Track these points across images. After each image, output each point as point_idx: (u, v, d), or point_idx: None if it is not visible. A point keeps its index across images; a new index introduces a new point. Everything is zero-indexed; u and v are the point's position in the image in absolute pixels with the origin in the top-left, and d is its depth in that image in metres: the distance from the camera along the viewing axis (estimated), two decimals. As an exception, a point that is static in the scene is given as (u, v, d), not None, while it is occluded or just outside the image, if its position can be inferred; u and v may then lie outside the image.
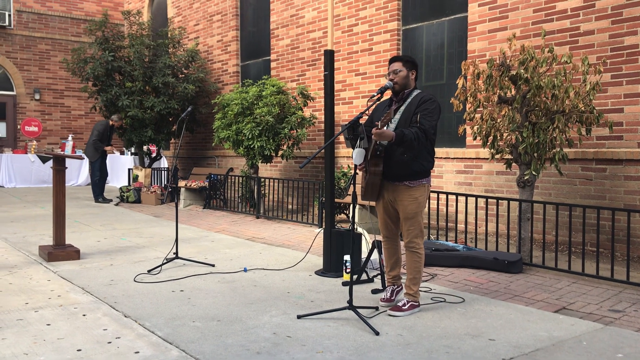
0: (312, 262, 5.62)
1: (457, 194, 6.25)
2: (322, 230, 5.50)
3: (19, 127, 15.22)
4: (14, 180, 13.88)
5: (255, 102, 9.17)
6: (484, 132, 5.77)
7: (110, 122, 10.99)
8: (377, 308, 4.01)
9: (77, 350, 3.15)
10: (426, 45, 8.49)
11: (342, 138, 8.43)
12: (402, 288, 4.22)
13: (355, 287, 4.49)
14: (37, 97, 15.56)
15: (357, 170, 3.90)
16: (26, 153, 14.28)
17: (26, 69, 15.43)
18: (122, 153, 14.88)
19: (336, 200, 7.83)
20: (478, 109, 5.87)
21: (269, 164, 9.99)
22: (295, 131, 9.14)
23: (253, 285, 4.72)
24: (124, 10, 12.35)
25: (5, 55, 15.12)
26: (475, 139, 6.06)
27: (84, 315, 3.84)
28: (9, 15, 15.10)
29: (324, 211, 6.68)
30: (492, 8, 7.41)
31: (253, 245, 6.66)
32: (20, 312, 3.88)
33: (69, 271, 5.12)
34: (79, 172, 14.72)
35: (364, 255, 5.27)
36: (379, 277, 4.75)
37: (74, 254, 5.64)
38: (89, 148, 10.75)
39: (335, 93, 5.58)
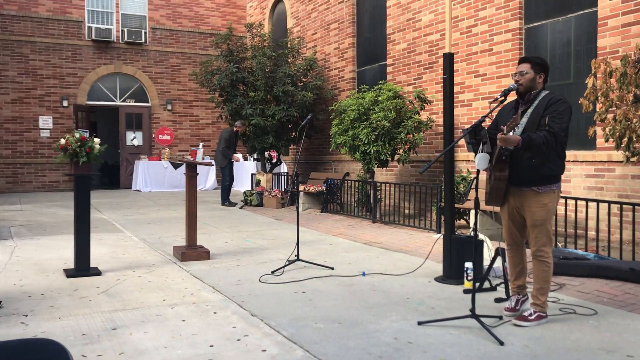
0: (431, 268, 5.56)
1: (587, 200, 5.89)
2: (442, 236, 5.42)
3: (153, 135, 16.48)
4: (150, 185, 15.05)
5: (371, 107, 9.23)
6: (617, 133, 5.40)
7: (235, 129, 11.59)
8: (500, 317, 3.89)
9: (210, 346, 3.37)
10: (551, 44, 8.09)
11: (461, 141, 8.26)
12: (527, 298, 4.06)
13: (477, 295, 4.39)
14: (169, 107, 16.75)
15: (480, 175, 3.81)
16: (160, 160, 15.44)
17: (159, 82, 16.67)
18: (245, 159, 15.61)
19: (455, 205, 7.67)
20: (610, 109, 5.50)
21: (384, 168, 10.01)
22: (411, 135, 9.08)
23: (372, 290, 4.77)
24: (247, 23, 12.97)
25: (142, 69, 16.44)
26: (607, 140, 5.68)
27: (214, 313, 4.09)
28: (145, 33, 16.42)
29: (442, 217, 6.58)
30: (625, 0, 6.90)
31: (370, 249, 6.71)
32: (158, 307, 4.21)
33: (200, 271, 5.48)
34: (206, 177, 15.66)
35: (486, 262, 5.13)
36: (502, 285, 4.60)
37: (204, 255, 6.02)
38: (218, 155, 11.46)
39: (454, 95, 5.49)
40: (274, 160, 13.01)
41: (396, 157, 9.34)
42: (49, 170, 15.31)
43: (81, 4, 15.74)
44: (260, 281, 5.06)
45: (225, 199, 11.39)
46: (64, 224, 8.53)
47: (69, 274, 5.22)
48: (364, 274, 5.32)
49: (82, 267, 5.26)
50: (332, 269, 5.55)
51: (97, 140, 5.36)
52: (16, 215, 9.75)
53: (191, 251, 6.00)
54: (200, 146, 15.08)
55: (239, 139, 12.00)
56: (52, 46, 15.37)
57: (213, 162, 7.62)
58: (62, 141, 5.23)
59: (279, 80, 11.90)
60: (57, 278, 5.15)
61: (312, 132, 12.66)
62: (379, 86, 9.58)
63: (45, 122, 15.30)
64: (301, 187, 10.76)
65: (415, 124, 8.98)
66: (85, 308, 4.19)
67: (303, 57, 12.83)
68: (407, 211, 9.81)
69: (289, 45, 12.71)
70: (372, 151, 8.99)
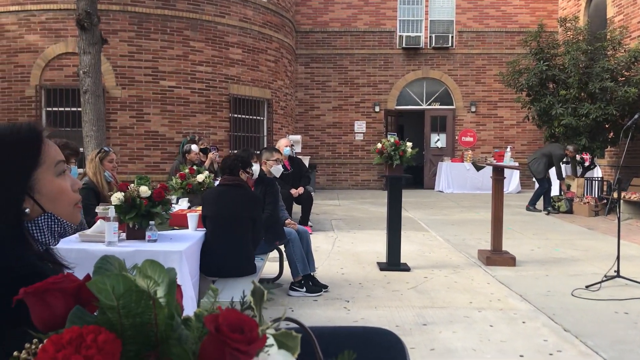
0: None
1: None
2: None
3: (456, 137, 16.71)
4: (451, 186, 15.31)
5: None
6: None
7: (566, 152, 10.73)
8: None
9: (520, 356, 3.28)
10: None
11: None
12: None
13: None
14: (472, 109, 16.77)
15: None
16: (462, 162, 15.57)
17: (464, 84, 16.81)
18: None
19: None
20: None
21: None
22: None
23: None
24: (560, 17, 12.18)
25: (447, 73, 16.82)
26: None
27: (523, 322, 3.96)
28: (451, 37, 16.75)
29: None
30: None
31: None
32: (465, 309, 4.27)
33: (506, 277, 5.36)
34: (509, 180, 15.21)
35: None
36: None
37: (509, 261, 5.87)
38: (540, 166, 10.59)
39: None
40: (587, 164, 11.92)
41: None
42: (361, 170, 16.81)
43: (394, 15, 16.86)
44: (572, 295, 4.71)
45: (533, 204, 10.86)
46: (375, 220, 9.27)
47: (382, 267, 5.66)
48: None
49: (393, 262, 5.65)
50: (662, 290, 4.84)
51: (409, 144, 5.69)
52: (335, 210, 10.97)
53: (496, 256, 5.92)
54: (508, 149, 14.70)
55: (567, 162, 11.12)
56: (368, 57, 16.82)
57: (517, 164, 7.39)
58: (379, 145, 5.70)
59: (595, 76, 10.86)
60: (371, 270, 5.64)
61: (636, 132, 11.20)
62: None
63: (360, 126, 16.85)
64: (621, 195, 9.63)
65: None
66: (397, 301, 4.49)
67: (626, 49, 11.45)
68: None
69: (608, 37, 11.49)
70: None
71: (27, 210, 1.11)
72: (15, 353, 0.54)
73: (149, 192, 3.40)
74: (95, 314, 0.58)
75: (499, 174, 6.05)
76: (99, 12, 8.40)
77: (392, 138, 5.73)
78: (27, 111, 11.78)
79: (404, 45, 16.56)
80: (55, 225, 1.17)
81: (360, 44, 16.83)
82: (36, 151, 1.14)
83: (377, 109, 16.76)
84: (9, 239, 1.06)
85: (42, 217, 1.14)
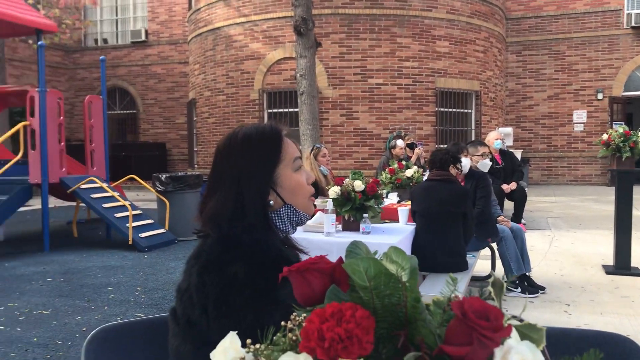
0: None
1: None
2: None
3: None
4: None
5: None
6: None
7: None
8: None
9: None
10: None
11: None
12: None
13: None
14: None
15: None
16: None
17: None
18: None
19: None
20: None
21: None
22: None
23: None
24: None
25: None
26: None
27: None
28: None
29: None
30: None
31: None
32: None
33: None
34: None
35: None
36: None
37: None
38: None
39: None
40: None
41: None
42: (582, 164, 15.42)
43: (620, -9, 15.16)
44: None
45: None
46: (599, 219, 8.46)
47: (608, 270, 5.15)
48: None
49: (622, 265, 5.10)
50: None
51: (642, 134, 5.08)
52: (551, 207, 10.25)
53: None
54: None
55: None
56: (588, 40, 15.36)
57: None
58: (605, 136, 5.18)
59: None
60: (595, 273, 5.17)
61: None
62: None
63: (579, 116, 15.46)
64: None
65: None
66: (627, 308, 4.06)
67: None
68: None
69: None
70: None
71: (271, 202, 1.25)
72: (282, 323, 0.61)
73: (363, 186, 3.54)
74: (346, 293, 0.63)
75: None
76: (313, 17, 8.96)
77: (620, 128, 5.17)
78: (251, 113, 13.08)
79: (632, 24, 14.77)
80: (294, 216, 1.29)
81: (580, 26, 15.43)
82: (278, 149, 1.28)
83: (600, 96, 15.23)
84: (260, 227, 1.21)
85: (283, 209, 1.27)
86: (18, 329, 3.87)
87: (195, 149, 15.17)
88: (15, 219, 8.20)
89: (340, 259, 0.65)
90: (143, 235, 6.87)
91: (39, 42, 7.24)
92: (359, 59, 12.37)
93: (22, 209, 7.68)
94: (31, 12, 8.62)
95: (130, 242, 6.73)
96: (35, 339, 3.65)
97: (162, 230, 7.26)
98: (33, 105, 6.96)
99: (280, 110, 12.78)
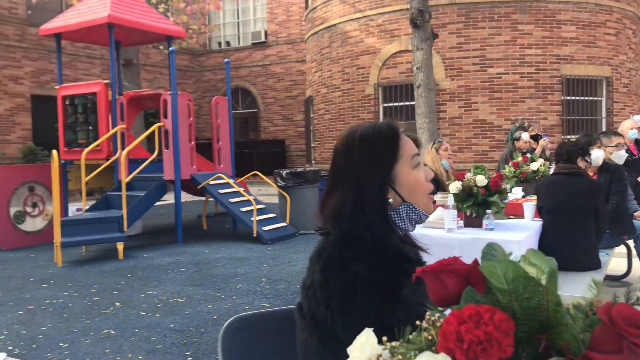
0: None
1: None
2: None
3: None
4: None
5: None
6: None
7: None
8: None
9: None
10: None
11: None
12: None
13: None
14: None
15: None
16: None
17: None
18: None
19: None
20: None
21: None
22: None
23: None
24: None
25: None
26: None
27: None
28: None
29: None
30: None
31: None
32: None
33: None
34: None
35: None
36: None
37: None
38: None
39: None
40: None
41: None
42: None
43: None
44: None
45: None
46: None
47: None
48: None
49: None
50: None
51: None
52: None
53: None
54: None
55: None
56: None
57: None
58: None
59: None
60: None
61: None
62: None
63: None
64: None
65: None
66: None
67: None
68: None
69: None
70: None
71: (390, 200, 1.26)
72: (417, 322, 0.63)
73: (486, 181, 3.44)
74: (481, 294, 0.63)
75: None
76: (429, 8, 8.80)
77: None
78: (367, 108, 13.12)
79: None
80: (413, 214, 1.29)
81: None
82: (395, 146, 1.28)
83: None
84: (379, 225, 1.22)
85: (402, 206, 1.28)
86: (157, 315, 4.20)
87: (312, 145, 15.51)
88: (151, 213, 8.88)
89: (476, 260, 0.65)
90: (266, 228, 7.18)
91: (170, 48, 7.78)
92: (478, 48, 11.96)
93: (157, 203, 8.31)
94: (162, 21, 9.26)
95: (254, 235, 7.05)
96: (172, 325, 3.95)
97: (283, 224, 7.53)
98: (166, 107, 7.50)
99: (396, 104, 12.70)
